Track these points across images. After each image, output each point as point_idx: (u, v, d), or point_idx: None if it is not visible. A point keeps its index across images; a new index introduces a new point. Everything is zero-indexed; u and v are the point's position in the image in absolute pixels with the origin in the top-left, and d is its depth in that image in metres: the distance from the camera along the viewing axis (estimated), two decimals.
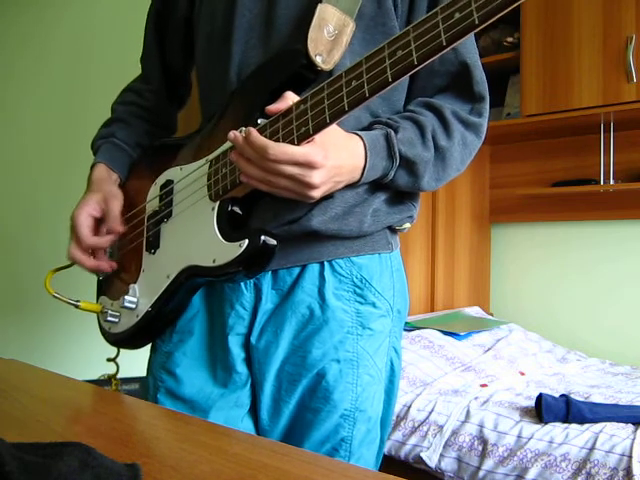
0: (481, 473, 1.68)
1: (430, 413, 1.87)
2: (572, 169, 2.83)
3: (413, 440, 1.83)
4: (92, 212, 0.97)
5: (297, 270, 0.89)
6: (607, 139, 2.70)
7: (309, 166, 0.74)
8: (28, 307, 2.10)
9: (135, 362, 1.14)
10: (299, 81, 0.82)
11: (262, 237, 0.80)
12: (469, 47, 0.90)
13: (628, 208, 2.70)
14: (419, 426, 1.85)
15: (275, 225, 0.85)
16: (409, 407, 1.91)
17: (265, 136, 0.76)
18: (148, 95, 1.11)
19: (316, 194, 0.77)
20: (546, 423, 1.70)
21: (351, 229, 0.86)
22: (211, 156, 0.88)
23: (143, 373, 1.02)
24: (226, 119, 0.88)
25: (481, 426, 1.76)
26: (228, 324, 0.91)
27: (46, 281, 1.01)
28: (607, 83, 2.40)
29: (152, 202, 0.97)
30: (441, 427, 1.82)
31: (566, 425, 1.67)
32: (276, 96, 0.80)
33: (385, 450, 1.86)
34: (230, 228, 0.84)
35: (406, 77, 0.70)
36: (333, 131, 0.77)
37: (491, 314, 3.05)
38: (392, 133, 0.82)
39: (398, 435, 1.86)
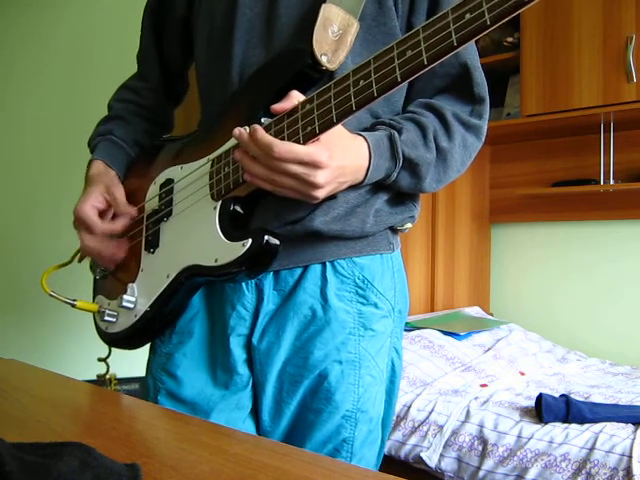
0: (481, 473, 1.68)
1: (430, 413, 1.87)
2: (572, 169, 2.83)
3: (413, 440, 1.83)
4: (96, 204, 0.95)
5: (299, 271, 0.89)
6: (607, 139, 2.70)
7: (314, 166, 0.73)
8: (28, 307, 2.10)
9: (135, 362, 1.14)
10: (303, 81, 0.81)
11: (265, 236, 0.80)
12: (469, 49, 0.90)
13: (628, 208, 2.70)
14: (419, 426, 1.85)
15: (277, 225, 0.85)
16: (409, 407, 1.91)
17: (270, 134, 0.76)
18: (145, 93, 1.10)
19: (320, 194, 0.76)
20: (546, 423, 1.70)
21: (353, 230, 0.86)
22: (213, 155, 0.87)
23: (143, 373, 1.02)
24: (228, 118, 0.88)
25: (481, 426, 1.76)
26: (229, 325, 0.90)
27: (42, 280, 1.00)
28: (607, 83, 2.40)
29: (151, 201, 0.97)
30: (441, 427, 1.82)
31: (566, 425, 1.67)
32: (280, 95, 0.79)
33: (385, 450, 1.84)
34: (232, 228, 0.84)
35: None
36: (338, 131, 0.76)
37: (491, 314, 3.05)
38: (395, 134, 0.82)
39: (398, 435, 1.86)
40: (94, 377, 1.15)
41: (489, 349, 2.42)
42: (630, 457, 1.49)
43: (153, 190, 0.97)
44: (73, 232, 0.98)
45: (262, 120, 0.81)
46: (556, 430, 1.66)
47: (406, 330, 2.38)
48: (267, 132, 0.76)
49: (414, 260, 2.72)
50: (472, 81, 0.89)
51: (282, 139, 0.75)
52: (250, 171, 0.78)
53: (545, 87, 2.56)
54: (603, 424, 1.64)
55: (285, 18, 0.87)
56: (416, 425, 1.86)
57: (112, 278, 1.02)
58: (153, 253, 0.95)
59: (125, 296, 0.94)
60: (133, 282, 0.96)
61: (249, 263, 0.81)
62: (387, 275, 0.92)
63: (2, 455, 0.43)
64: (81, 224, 0.95)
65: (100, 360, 1.05)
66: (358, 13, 0.83)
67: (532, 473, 1.60)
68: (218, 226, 0.84)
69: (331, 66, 0.81)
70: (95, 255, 0.98)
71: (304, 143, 0.74)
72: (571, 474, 1.55)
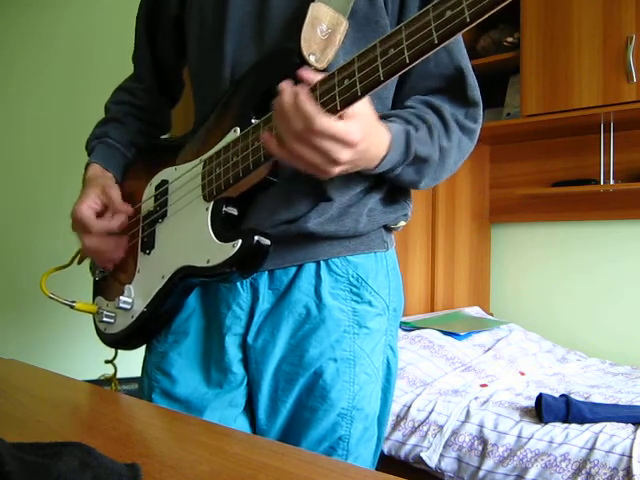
0: (481, 473, 1.68)
1: (430, 413, 1.87)
2: (572, 169, 2.83)
3: (413, 440, 1.83)
4: (92, 205, 0.96)
5: (293, 270, 0.89)
6: (607, 139, 2.70)
7: (345, 144, 0.70)
8: (27, 307, 2.10)
9: (135, 362, 1.14)
10: (292, 81, 0.81)
11: (256, 237, 0.80)
12: (462, 51, 0.90)
13: (628, 208, 2.70)
14: (419, 426, 1.85)
15: (270, 225, 0.85)
16: (409, 407, 1.91)
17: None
18: (141, 94, 1.10)
19: (335, 172, 0.74)
20: (546, 423, 1.70)
21: (347, 230, 0.87)
22: (205, 156, 0.88)
23: None
24: (219, 119, 0.88)
25: (481, 426, 1.76)
26: (225, 324, 0.91)
27: (41, 282, 1.01)
28: (607, 83, 2.40)
29: (147, 202, 0.97)
30: (441, 427, 1.82)
31: (566, 425, 1.67)
32: (270, 95, 0.79)
33: (385, 450, 1.86)
34: (224, 228, 0.84)
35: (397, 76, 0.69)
36: (371, 113, 0.74)
37: (491, 314, 3.05)
38: (412, 131, 0.81)
39: (398, 435, 1.86)
40: (94, 377, 1.15)
41: (489, 349, 2.42)
42: (630, 457, 1.49)
43: (149, 191, 0.98)
44: (72, 232, 0.98)
45: (252, 121, 0.81)
46: (556, 430, 1.66)
47: (406, 330, 2.39)
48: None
49: (414, 260, 2.72)
50: (466, 84, 0.89)
51: None
52: (284, 141, 0.72)
53: (545, 87, 2.56)
54: (603, 424, 1.64)
55: (276, 17, 0.87)
56: (416, 425, 1.86)
57: (110, 279, 1.02)
58: (149, 254, 0.95)
59: (122, 297, 0.94)
60: (130, 283, 0.96)
61: (240, 263, 0.81)
62: (381, 273, 0.92)
63: (2, 455, 0.43)
64: (78, 225, 0.95)
65: (107, 362, 1.06)
66: (347, 12, 0.83)
67: (532, 473, 1.59)
68: (210, 227, 0.85)
69: (319, 65, 0.80)
70: (94, 254, 0.98)
71: None
72: (571, 474, 1.55)
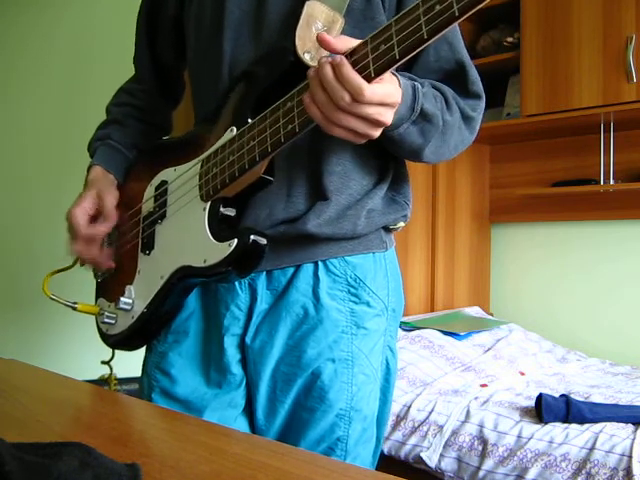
0: (481, 473, 1.68)
1: (430, 413, 1.87)
2: (572, 169, 2.83)
3: (413, 440, 1.83)
4: (87, 208, 0.97)
5: (291, 270, 0.89)
6: (607, 139, 2.70)
7: (389, 106, 0.70)
8: (27, 307, 2.10)
9: (135, 362, 1.14)
10: (289, 79, 0.80)
11: (252, 236, 0.80)
12: (463, 45, 0.90)
13: (628, 208, 2.69)
14: (419, 426, 1.85)
15: (269, 225, 0.86)
16: (409, 407, 1.91)
17: None
18: (142, 95, 1.11)
19: (377, 134, 0.72)
20: (546, 423, 1.70)
21: (345, 232, 0.86)
22: (203, 156, 0.88)
23: None
24: (217, 119, 0.88)
25: (481, 426, 1.76)
26: (224, 325, 0.91)
27: (44, 284, 1.01)
28: (607, 83, 2.40)
29: (147, 203, 0.98)
30: (441, 427, 1.82)
31: (566, 425, 1.67)
32: (266, 94, 0.79)
33: (385, 450, 1.86)
34: (221, 228, 0.85)
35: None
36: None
37: (491, 314, 3.05)
38: (418, 86, 0.79)
39: (398, 435, 1.86)
40: (94, 377, 1.15)
41: (489, 349, 2.42)
42: (630, 457, 1.49)
43: (149, 192, 0.98)
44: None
45: (249, 120, 0.81)
46: (556, 430, 1.66)
47: (406, 330, 2.39)
48: None
49: (414, 260, 2.72)
50: (468, 78, 0.89)
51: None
52: (330, 118, 0.70)
53: (545, 87, 2.56)
54: (603, 424, 1.64)
55: (273, 15, 0.87)
56: (416, 425, 1.86)
57: (112, 280, 1.03)
58: (149, 255, 0.95)
59: (122, 298, 0.95)
60: (131, 284, 0.96)
61: (236, 263, 0.81)
62: (380, 274, 0.92)
63: (2, 455, 0.43)
64: (69, 228, 0.97)
65: (104, 363, 1.06)
66: (343, 9, 0.83)
67: (532, 473, 1.60)
68: (207, 227, 0.85)
69: (315, 63, 0.80)
70: (80, 257, 0.99)
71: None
72: (571, 474, 1.55)
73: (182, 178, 0.91)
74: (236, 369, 0.91)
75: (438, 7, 0.61)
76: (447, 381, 2.08)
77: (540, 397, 1.76)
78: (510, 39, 2.71)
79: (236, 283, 0.90)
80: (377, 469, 0.93)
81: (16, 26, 2.17)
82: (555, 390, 2.02)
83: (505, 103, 2.89)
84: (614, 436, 1.58)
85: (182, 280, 0.88)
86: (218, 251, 0.82)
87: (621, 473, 1.48)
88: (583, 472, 1.54)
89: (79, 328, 2.02)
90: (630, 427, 1.62)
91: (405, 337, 2.31)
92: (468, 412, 1.83)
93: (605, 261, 2.80)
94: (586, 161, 2.79)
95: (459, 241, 2.95)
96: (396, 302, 0.96)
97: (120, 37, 2.10)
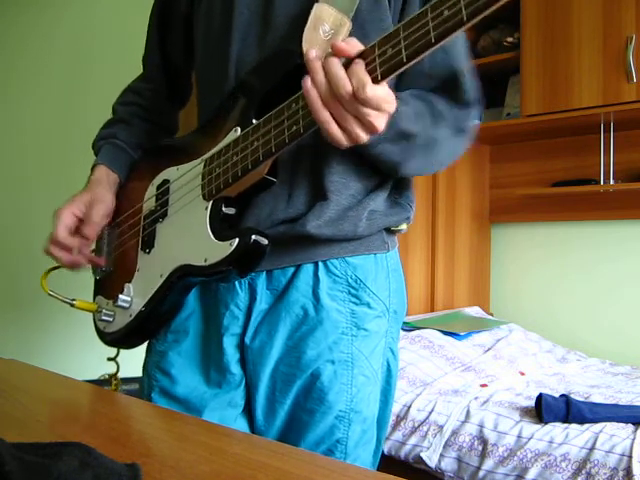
0: (481, 473, 1.68)
1: (430, 413, 1.87)
2: (572, 169, 2.83)
3: (413, 440, 1.83)
4: (75, 211, 0.97)
5: (291, 270, 0.89)
6: (607, 139, 2.70)
7: (385, 112, 0.70)
8: (27, 307, 2.10)
9: (136, 362, 1.14)
10: (294, 81, 0.81)
11: (253, 236, 0.80)
12: (461, 51, 0.88)
13: (628, 208, 2.70)
14: (419, 426, 1.85)
15: (270, 224, 0.86)
16: (409, 407, 1.91)
17: None
18: (149, 94, 1.11)
19: (366, 139, 0.72)
20: (546, 423, 1.70)
21: (345, 234, 0.86)
22: (206, 155, 0.88)
23: None
24: (222, 119, 0.88)
25: (481, 426, 1.76)
26: (223, 324, 0.90)
27: (42, 280, 1.01)
28: (607, 83, 2.40)
29: (149, 202, 0.98)
30: (441, 427, 1.82)
31: (566, 425, 1.67)
32: (270, 96, 0.79)
33: (385, 450, 1.86)
34: (222, 227, 0.85)
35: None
36: None
37: (491, 314, 3.05)
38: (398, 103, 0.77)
39: (398, 435, 1.86)
40: (94, 377, 1.15)
41: (489, 349, 2.42)
42: (630, 457, 1.49)
43: (151, 191, 0.98)
44: None
45: (253, 121, 0.81)
46: (556, 430, 1.66)
47: (406, 330, 2.39)
48: None
49: (414, 260, 2.72)
50: (461, 87, 0.87)
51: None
52: (324, 108, 0.70)
53: (545, 87, 2.56)
54: (603, 424, 1.64)
55: (281, 17, 0.87)
56: (416, 425, 1.86)
57: (111, 278, 1.03)
58: (149, 253, 0.95)
59: (121, 295, 0.95)
60: (130, 282, 0.96)
61: (237, 262, 0.81)
62: (381, 275, 0.91)
63: (2, 455, 0.43)
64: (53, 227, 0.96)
65: (110, 359, 1.06)
66: (352, 12, 0.82)
67: (532, 473, 1.60)
68: (208, 226, 0.85)
69: None
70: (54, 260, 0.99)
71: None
72: (571, 474, 1.55)
73: (185, 177, 0.91)
74: (235, 369, 0.91)
75: (447, 12, 0.61)
76: (447, 381, 2.08)
77: (540, 397, 1.76)
78: (510, 39, 2.71)
79: (236, 283, 0.89)
80: (377, 469, 0.93)
81: (16, 26, 2.17)
82: (555, 390, 2.02)
83: (505, 103, 2.89)
84: (614, 436, 1.58)
85: (182, 279, 0.88)
86: (219, 250, 0.82)
87: (621, 473, 1.48)
88: (583, 472, 1.54)
89: (79, 328, 2.02)
90: (630, 427, 1.62)
91: (405, 337, 2.31)
92: (468, 412, 1.83)
93: (605, 261, 2.80)
94: (586, 161, 2.79)
95: (459, 241, 2.95)
96: (398, 304, 0.95)
97: (120, 37, 2.11)
